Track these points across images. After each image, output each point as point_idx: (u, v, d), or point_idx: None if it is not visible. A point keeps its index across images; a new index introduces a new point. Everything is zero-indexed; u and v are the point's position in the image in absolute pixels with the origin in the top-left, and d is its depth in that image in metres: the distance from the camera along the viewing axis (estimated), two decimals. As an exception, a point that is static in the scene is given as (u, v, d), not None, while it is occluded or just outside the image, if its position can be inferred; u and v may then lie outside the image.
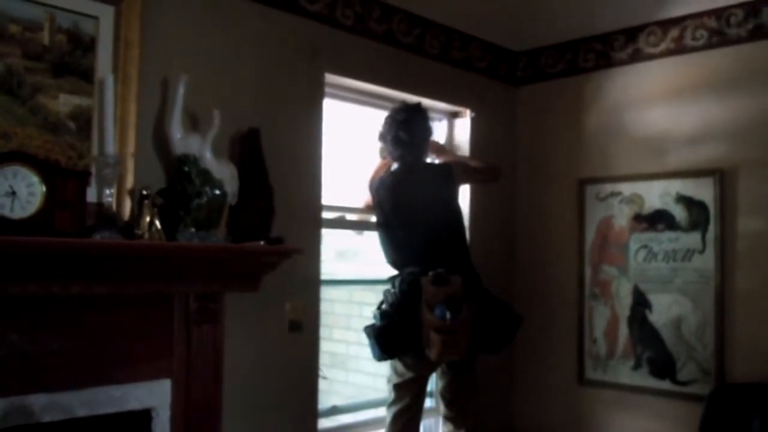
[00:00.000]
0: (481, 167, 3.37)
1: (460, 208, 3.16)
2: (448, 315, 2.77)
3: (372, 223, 3.23)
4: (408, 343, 2.86)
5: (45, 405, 2.09)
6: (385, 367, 3.11)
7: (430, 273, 2.84)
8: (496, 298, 3.04)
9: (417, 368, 2.95)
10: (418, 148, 3.09)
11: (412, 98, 3.35)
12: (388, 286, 2.97)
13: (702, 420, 3.06)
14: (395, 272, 3.01)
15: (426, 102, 3.51)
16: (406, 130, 3.03)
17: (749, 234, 3.22)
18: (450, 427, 3.11)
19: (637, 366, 3.52)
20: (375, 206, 3.10)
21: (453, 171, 3.16)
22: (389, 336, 2.85)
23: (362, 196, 3.26)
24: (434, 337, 2.78)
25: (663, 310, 3.44)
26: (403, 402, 2.98)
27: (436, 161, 3.31)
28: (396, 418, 2.99)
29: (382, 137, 3.11)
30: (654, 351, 3.46)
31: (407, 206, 3.01)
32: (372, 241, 3.19)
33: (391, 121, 3.06)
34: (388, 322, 2.85)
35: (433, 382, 3.41)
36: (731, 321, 3.24)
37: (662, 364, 3.43)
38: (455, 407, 3.08)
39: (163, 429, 2.36)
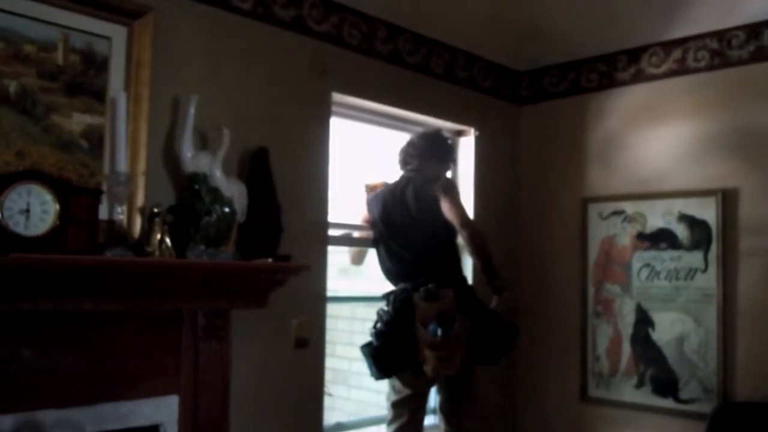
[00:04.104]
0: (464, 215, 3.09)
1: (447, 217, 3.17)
2: (439, 332, 2.78)
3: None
4: (404, 361, 2.87)
5: (55, 421, 2.10)
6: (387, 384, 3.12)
7: (421, 289, 2.86)
8: (491, 310, 3.05)
9: (414, 385, 2.96)
10: (424, 160, 3.13)
11: (417, 117, 3.43)
12: (382, 305, 3.00)
13: (704, 439, 3.09)
14: (391, 288, 3.04)
15: (431, 121, 3.56)
16: (423, 140, 3.14)
17: (751, 253, 3.25)
18: (450, 443, 3.11)
19: (639, 384, 3.53)
20: (370, 220, 3.15)
21: (437, 185, 3.05)
22: (385, 355, 2.87)
23: (360, 212, 3.30)
24: (428, 353, 2.79)
25: (666, 328, 3.46)
26: (402, 419, 2.99)
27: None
28: (395, 436, 3.00)
29: (403, 149, 3.19)
30: (657, 369, 3.48)
31: (400, 220, 3.04)
32: (373, 260, 3.22)
33: (415, 134, 3.20)
34: (384, 341, 2.87)
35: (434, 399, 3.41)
36: (734, 340, 3.26)
37: (665, 383, 3.45)
38: (454, 422, 3.08)
39: (170, 445, 2.38)
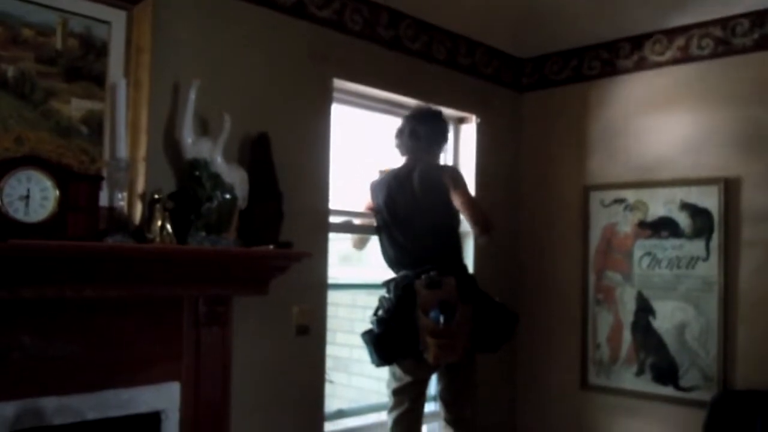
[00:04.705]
0: (478, 208, 3.14)
1: (455, 206, 3.15)
2: (441, 319, 2.79)
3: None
4: (406, 348, 2.88)
5: (56, 408, 2.10)
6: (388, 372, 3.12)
7: (423, 276, 2.87)
8: (492, 298, 3.06)
9: (415, 372, 2.97)
10: (429, 148, 3.14)
11: (420, 104, 3.38)
12: (383, 292, 3.00)
13: (704, 426, 3.09)
14: (392, 275, 3.04)
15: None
16: (425, 126, 3.12)
17: (753, 242, 3.24)
18: (450, 430, 3.11)
19: (640, 372, 3.54)
20: (375, 207, 3.14)
21: (444, 175, 3.09)
22: (387, 342, 2.87)
23: (363, 200, 3.28)
24: (430, 341, 2.80)
25: (666, 316, 3.46)
26: (403, 406, 3.00)
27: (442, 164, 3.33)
28: (396, 423, 3.00)
29: (399, 132, 3.16)
30: (657, 357, 3.48)
31: (403, 206, 3.04)
32: (375, 246, 3.21)
33: (410, 118, 3.15)
34: (385, 329, 2.87)
35: (434, 386, 3.42)
36: (734, 328, 3.26)
37: (665, 370, 3.45)
38: (454, 410, 3.10)
39: (172, 431, 2.36)
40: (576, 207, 3.82)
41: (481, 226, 3.04)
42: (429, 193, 3.04)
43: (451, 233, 3.13)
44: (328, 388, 3.11)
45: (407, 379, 2.98)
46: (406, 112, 3.24)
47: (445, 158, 3.77)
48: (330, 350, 3.14)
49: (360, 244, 3.37)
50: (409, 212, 3.03)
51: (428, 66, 3.52)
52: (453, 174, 3.14)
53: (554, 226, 3.93)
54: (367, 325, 2.94)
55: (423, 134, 3.11)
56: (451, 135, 3.78)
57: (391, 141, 3.22)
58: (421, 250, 2.99)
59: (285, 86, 2.88)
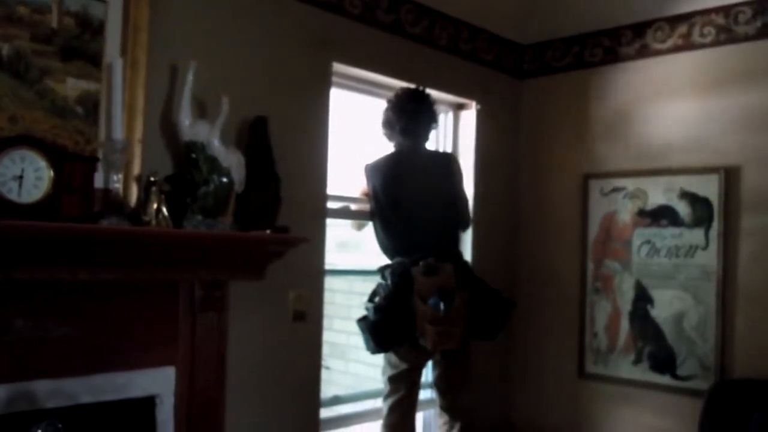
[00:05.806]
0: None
1: (457, 195, 3.18)
2: (442, 306, 2.77)
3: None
4: (403, 335, 2.86)
5: (49, 391, 2.08)
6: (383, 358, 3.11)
7: (421, 263, 2.85)
8: (488, 285, 3.05)
9: (412, 359, 2.96)
10: (423, 137, 3.13)
11: (403, 90, 3.31)
12: (379, 279, 2.98)
13: (702, 415, 3.08)
14: (387, 261, 3.03)
15: (432, 93, 3.50)
16: (417, 120, 3.06)
17: (753, 231, 3.23)
18: (446, 418, 3.12)
19: (637, 360, 3.53)
20: (370, 192, 3.11)
21: (453, 164, 3.20)
22: (384, 329, 2.85)
23: (359, 185, 3.25)
24: (429, 328, 2.79)
25: (665, 305, 3.45)
26: (399, 393, 2.99)
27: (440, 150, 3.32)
28: (392, 410, 3.00)
29: (389, 125, 3.10)
30: (655, 346, 3.47)
31: (401, 192, 3.01)
32: (371, 232, 3.19)
33: (399, 111, 3.06)
34: (382, 316, 2.85)
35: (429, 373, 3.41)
36: (732, 317, 3.25)
37: (663, 359, 3.44)
38: (449, 397, 3.09)
39: (166, 416, 2.35)
40: (575, 195, 3.80)
41: (468, 222, 3.34)
42: (434, 179, 3.03)
43: (452, 220, 3.12)
44: (325, 375, 3.10)
45: (403, 366, 2.97)
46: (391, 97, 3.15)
47: (444, 143, 3.77)
48: (326, 336, 3.13)
49: (359, 226, 3.36)
50: (409, 198, 3.00)
51: (429, 51, 3.49)
52: (458, 164, 3.21)
53: (553, 214, 3.91)
54: (364, 312, 2.92)
55: (417, 129, 3.07)
56: (450, 121, 3.79)
57: (380, 129, 3.17)
58: (419, 237, 2.97)
59: (284, 69, 2.85)
